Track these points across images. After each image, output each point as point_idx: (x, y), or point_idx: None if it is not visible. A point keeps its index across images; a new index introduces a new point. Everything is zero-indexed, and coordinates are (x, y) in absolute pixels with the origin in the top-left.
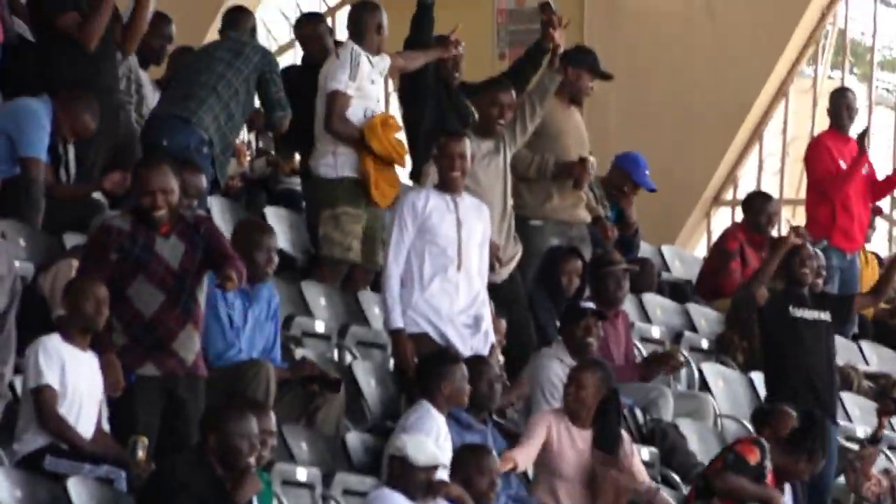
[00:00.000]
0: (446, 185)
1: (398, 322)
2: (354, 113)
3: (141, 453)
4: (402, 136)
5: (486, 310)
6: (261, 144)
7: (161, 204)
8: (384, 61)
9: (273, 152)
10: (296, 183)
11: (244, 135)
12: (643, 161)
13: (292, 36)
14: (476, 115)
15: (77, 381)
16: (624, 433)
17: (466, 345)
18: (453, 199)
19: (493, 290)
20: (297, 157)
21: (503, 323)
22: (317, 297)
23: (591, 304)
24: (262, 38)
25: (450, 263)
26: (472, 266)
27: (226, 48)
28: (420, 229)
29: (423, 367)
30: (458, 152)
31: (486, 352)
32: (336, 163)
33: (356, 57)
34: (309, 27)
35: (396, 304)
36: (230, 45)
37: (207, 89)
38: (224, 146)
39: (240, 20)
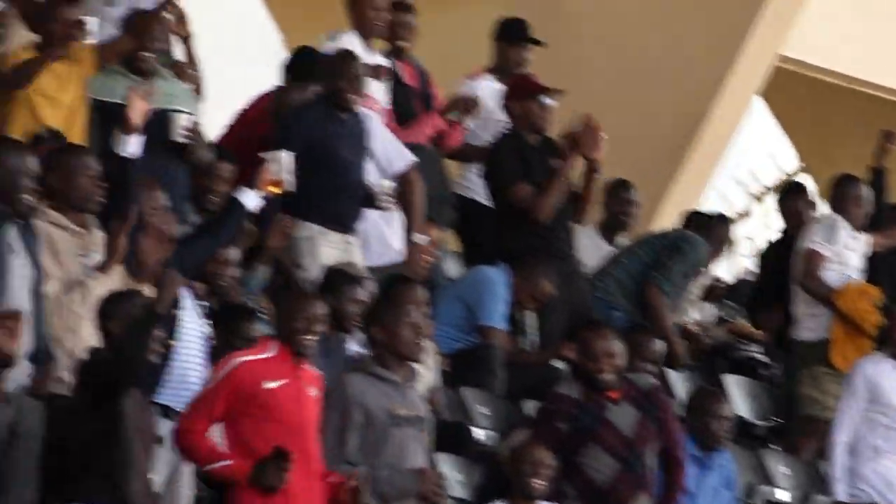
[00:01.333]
0: None
1: (841, 496)
2: (831, 277)
3: None
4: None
5: None
6: (722, 314)
7: (606, 368)
8: (866, 239)
9: (732, 319)
10: (756, 350)
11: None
12: None
13: (748, 204)
14: None
15: None
16: None
17: None
18: None
19: None
20: (751, 325)
21: None
22: (778, 465)
23: None
24: (719, 206)
25: None
26: None
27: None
28: (871, 398)
29: None
30: None
31: None
32: (815, 325)
33: (835, 223)
34: (788, 201)
35: (842, 476)
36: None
37: (612, 263)
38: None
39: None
